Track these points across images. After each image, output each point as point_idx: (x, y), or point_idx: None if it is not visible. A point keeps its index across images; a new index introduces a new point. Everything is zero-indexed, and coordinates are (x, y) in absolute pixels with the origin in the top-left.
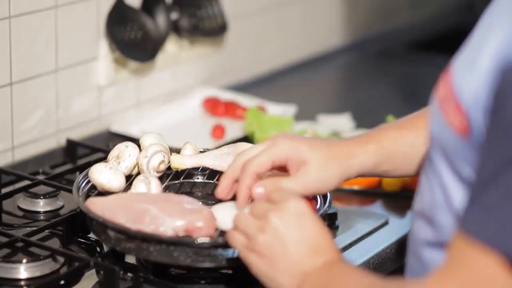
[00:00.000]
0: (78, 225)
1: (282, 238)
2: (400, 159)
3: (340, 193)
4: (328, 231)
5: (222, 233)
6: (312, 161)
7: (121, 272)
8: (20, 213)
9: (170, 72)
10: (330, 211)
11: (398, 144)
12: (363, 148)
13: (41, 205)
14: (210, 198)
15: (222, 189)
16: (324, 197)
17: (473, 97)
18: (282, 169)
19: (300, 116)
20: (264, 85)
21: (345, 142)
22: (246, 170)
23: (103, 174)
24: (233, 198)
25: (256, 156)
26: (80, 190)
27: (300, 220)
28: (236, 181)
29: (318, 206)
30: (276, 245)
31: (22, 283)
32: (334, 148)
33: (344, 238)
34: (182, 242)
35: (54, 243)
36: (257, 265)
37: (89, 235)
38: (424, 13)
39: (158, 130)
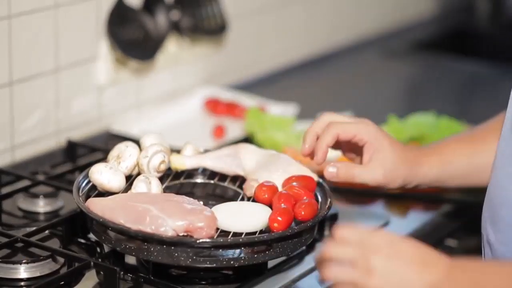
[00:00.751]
0: (78, 225)
1: (392, 274)
2: (459, 170)
3: (341, 193)
4: (422, 244)
5: (223, 233)
6: (387, 156)
7: (121, 273)
8: (20, 213)
9: (171, 72)
10: (331, 212)
11: (457, 154)
12: (427, 158)
13: (41, 205)
14: (210, 198)
15: (309, 145)
16: (325, 197)
17: None
18: (351, 150)
19: (300, 116)
20: (264, 85)
21: (414, 149)
22: (330, 128)
23: (103, 174)
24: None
25: (343, 122)
26: (80, 190)
27: (396, 249)
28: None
29: (319, 206)
30: (390, 282)
31: (22, 283)
32: (408, 152)
33: None
34: (182, 243)
35: (54, 243)
36: None
37: (89, 236)
38: (425, 13)
39: (158, 130)
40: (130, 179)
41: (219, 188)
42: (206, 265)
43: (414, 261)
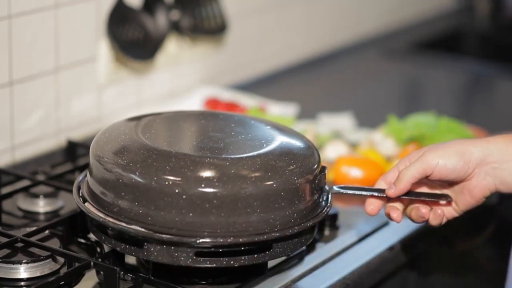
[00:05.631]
0: (78, 225)
1: None
2: None
3: (341, 193)
4: None
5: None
6: None
7: (121, 273)
8: (20, 213)
9: (171, 72)
10: (331, 212)
11: None
12: None
13: (41, 205)
14: None
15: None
16: (326, 197)
17: None
18: None
19: (300, 115)
20: (265, 85)
21: None
22: None
23: None
24: None
25: None
26: (80, 190)
27: None
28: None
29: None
30: None
31: (22, 283)
32: None
33: (345, 238)
34: (182, 243)
35: (54, 243)
36: None
37: (89, 236)
38: (424, 13)
39: None
40: None
41: None
42: (206, 265)
43: None
